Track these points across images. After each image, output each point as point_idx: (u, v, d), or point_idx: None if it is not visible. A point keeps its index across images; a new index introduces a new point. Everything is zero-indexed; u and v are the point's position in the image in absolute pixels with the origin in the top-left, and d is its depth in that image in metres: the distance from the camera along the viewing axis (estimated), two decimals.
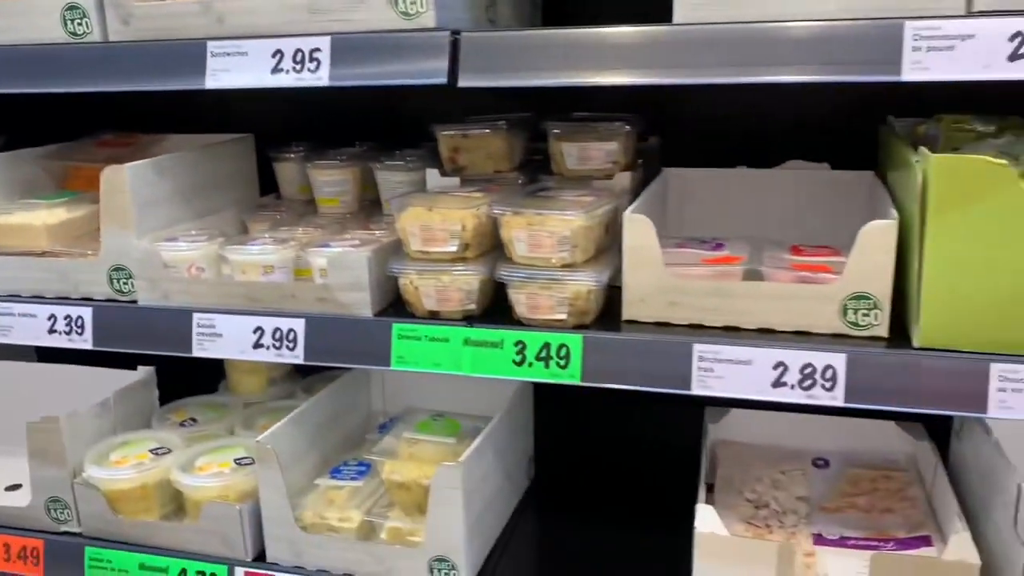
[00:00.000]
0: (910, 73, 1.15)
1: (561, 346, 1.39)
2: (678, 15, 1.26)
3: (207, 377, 2.09)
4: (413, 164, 1.76)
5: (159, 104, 1.85)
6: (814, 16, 1.19)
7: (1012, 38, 1.11)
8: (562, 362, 1.39)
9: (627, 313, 1.43)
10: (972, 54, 1.12)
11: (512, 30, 1.34)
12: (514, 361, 1.41)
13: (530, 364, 1.40)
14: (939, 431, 1.74)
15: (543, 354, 1.40)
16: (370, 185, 1.84)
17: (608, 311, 1.47)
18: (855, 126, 1.79)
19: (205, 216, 1.81)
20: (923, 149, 1.25)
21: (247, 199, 1.97)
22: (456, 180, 1.67)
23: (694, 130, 1.94)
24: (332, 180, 1.81)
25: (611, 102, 1.79)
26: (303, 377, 2.08)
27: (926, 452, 1.71)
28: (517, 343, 1.41)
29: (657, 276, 1.40)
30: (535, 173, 1.71)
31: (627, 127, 1.59)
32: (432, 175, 1.68)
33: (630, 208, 1.43)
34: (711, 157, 1.84)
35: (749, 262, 1.44)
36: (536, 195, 1.52)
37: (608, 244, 1.50)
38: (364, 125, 2.09)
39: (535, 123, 1.70)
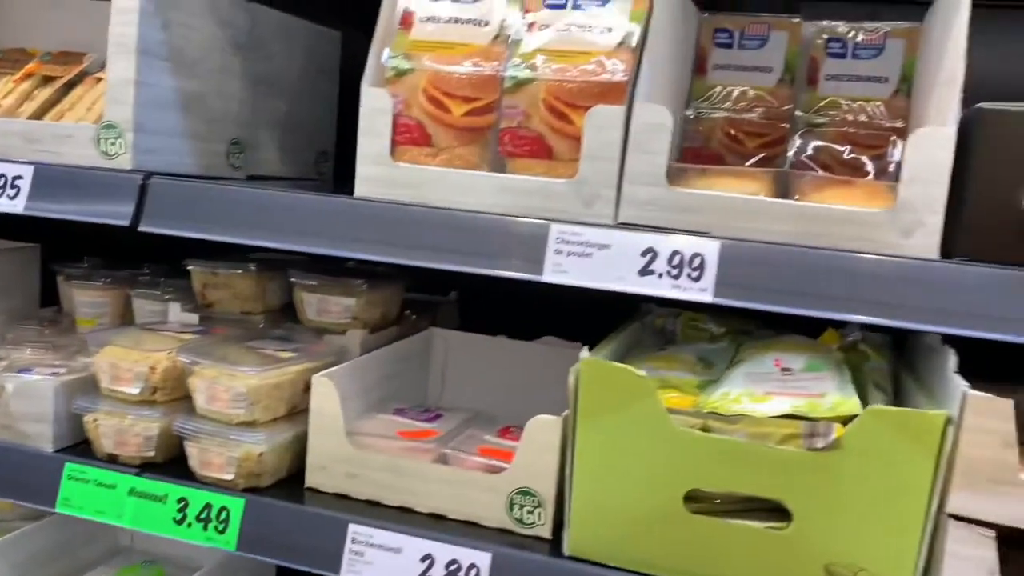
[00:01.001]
0: (550, 275, 1.14)
1: (222, 508, 1.32)
2: (357, 190, 1.26)
3: None
4: (170, 295, 1.73)
5: None
6: (472, 207, 1.19)
7: (644, 253, 1.10)
8: (221, 526, 1.32)
9: (309, 480, 1.37)
10: (607, 264, 1.12)
11: (212, 183, 1.33)
12: (175, 519, 1.34)
13: (189, 524, 1.33)
14: None
15: (204, 515, 1.33)
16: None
17: (300, 476, 1.40)
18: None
19: None
20: (585, 349, 1.23)
21: (21, 310, 1.93)
22: (195, 317, 1.64)
23: (495, 291, 1.91)
24: (89, 301, 1.77)
25: None
26: None
27: None
28: (180, 500, 1.34)
29: (337, 444, 1.35)
30: (287, 319, 1.68)
31: (365, 285, 1.57)
32: (174, 309, 1.65)
33: (332, 369, 1.40)
34: (511, 321, 1.80)
35: (443, 440, 1.39)
36: (247, 344, 1.48)
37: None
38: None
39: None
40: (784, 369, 1.23)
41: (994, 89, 1.59)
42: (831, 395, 1.14)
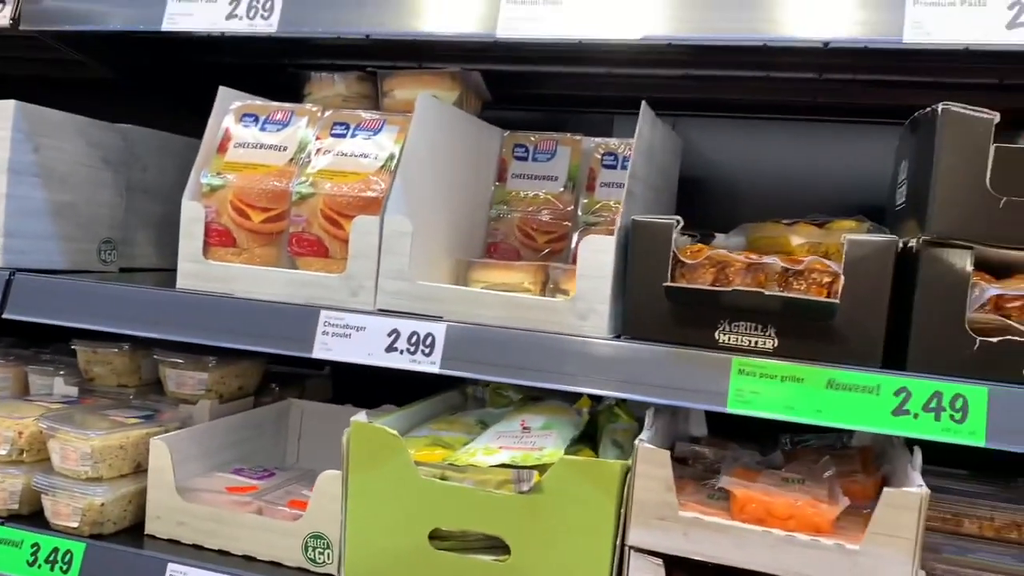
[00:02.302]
0: (319, 352, 1.40)
1: (67, 552, 1.56)
2: (179, 283, 1.53)
3: None
4: (62, 370, 1.99)
5: None
6: (265, 297, 1.46)
7: (390, 334, 1.37)
8: (65, 567, 1.55)
9: (148, 528, 1.61)
10: (362, 343, 1.38)
11: (75, 277, 1.61)
12: (28, 561, 1.57)
13: (39, 566, 1.56)
14: None
15: (51, 557, 1.56)
16: None
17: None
18: None
19: None
20: (362, 413, 1.48)
21: None
22: (75, 389, 1.89)
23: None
24: None
25: None
26: None
27: None
28: (33, 545, 1.57)
29: (168, 497, 1.59)
30: (158, 392, 1.94)
31: (214, 361, 1.84)
32: (58, 383, 1.91)
33: (169, 433, 1.65)
34: (380, 393, 2.04)
35: (261, 494, 1.63)
36: (104, 412, 1.73)
37: None
38: None
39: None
40: (525, 428, 1.49)
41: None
42: (548, 448, 1.39)
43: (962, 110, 1.14)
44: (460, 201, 1.69)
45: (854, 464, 1.55)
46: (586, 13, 1.26)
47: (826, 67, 1.59)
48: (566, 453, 1.46)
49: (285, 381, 2.13)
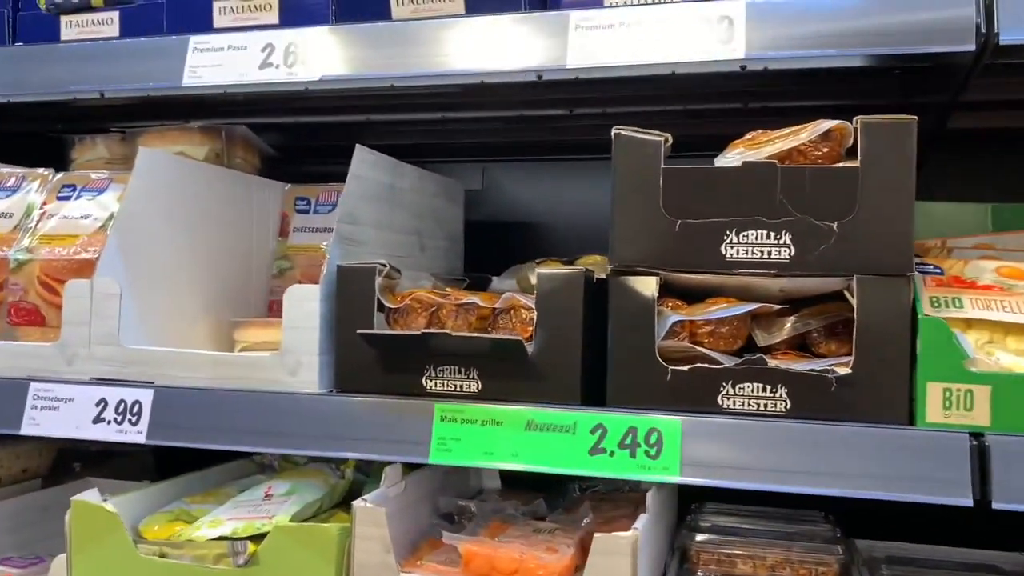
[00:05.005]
0: (27, 428, 1.31)
1: None
2: None
3: None
4: None
5: None
6: None
7: (98, 404, 1.29)
8: None
9: None
10: (70, 415, 1.30)
11: None
12: None
13: None
14: None
15: None
16: None
17: None
18: None
19: None
20: (93, 492, 1.38)
21: None
22: None
23: None
24: None
25: None
26: None
27: None
28: None
29: None
30: None
31: None
32: None
33: None
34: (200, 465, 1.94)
35: None
36: None
37: None
38: None
39: None
40: (267, 496, 1.40)
41: None
42: (278, 516, 1.30)
43: (632, 133, 1.10)
44: (220, 259, 1.62)
45: (628, 509, 1.47)
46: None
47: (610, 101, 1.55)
48: (314, 518, 1.38)
49: (92, 460, 2.03)
